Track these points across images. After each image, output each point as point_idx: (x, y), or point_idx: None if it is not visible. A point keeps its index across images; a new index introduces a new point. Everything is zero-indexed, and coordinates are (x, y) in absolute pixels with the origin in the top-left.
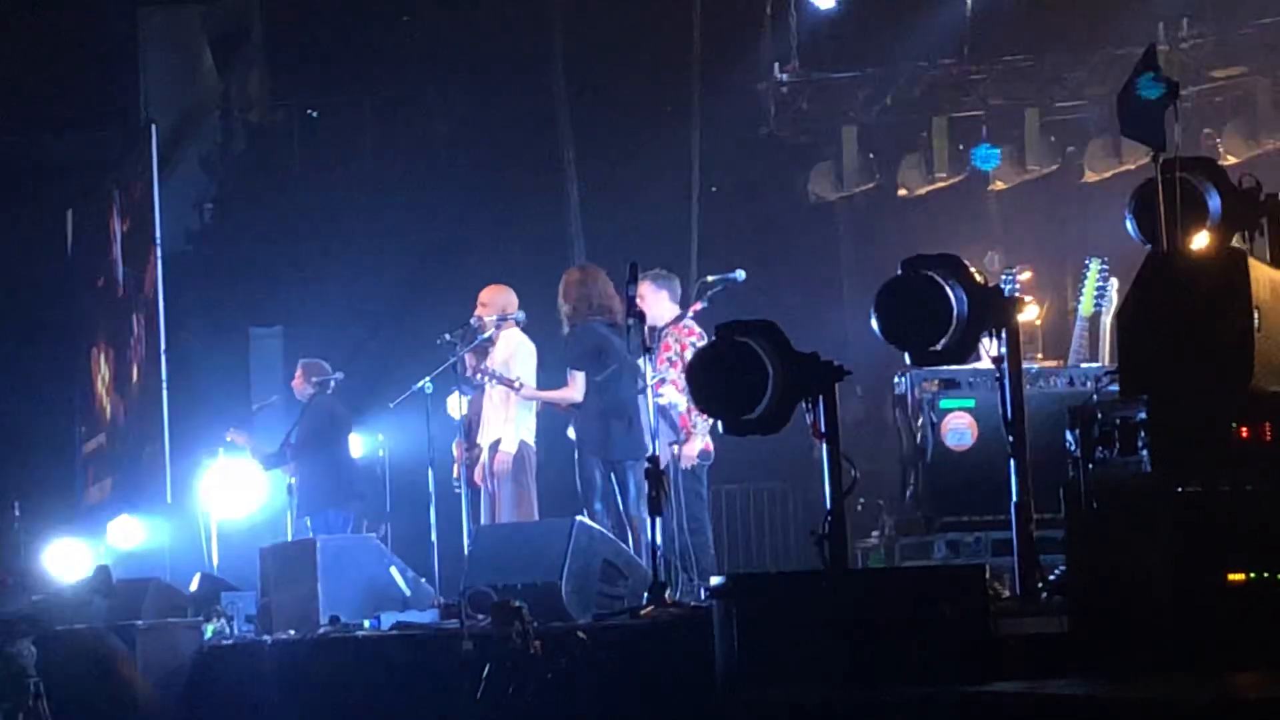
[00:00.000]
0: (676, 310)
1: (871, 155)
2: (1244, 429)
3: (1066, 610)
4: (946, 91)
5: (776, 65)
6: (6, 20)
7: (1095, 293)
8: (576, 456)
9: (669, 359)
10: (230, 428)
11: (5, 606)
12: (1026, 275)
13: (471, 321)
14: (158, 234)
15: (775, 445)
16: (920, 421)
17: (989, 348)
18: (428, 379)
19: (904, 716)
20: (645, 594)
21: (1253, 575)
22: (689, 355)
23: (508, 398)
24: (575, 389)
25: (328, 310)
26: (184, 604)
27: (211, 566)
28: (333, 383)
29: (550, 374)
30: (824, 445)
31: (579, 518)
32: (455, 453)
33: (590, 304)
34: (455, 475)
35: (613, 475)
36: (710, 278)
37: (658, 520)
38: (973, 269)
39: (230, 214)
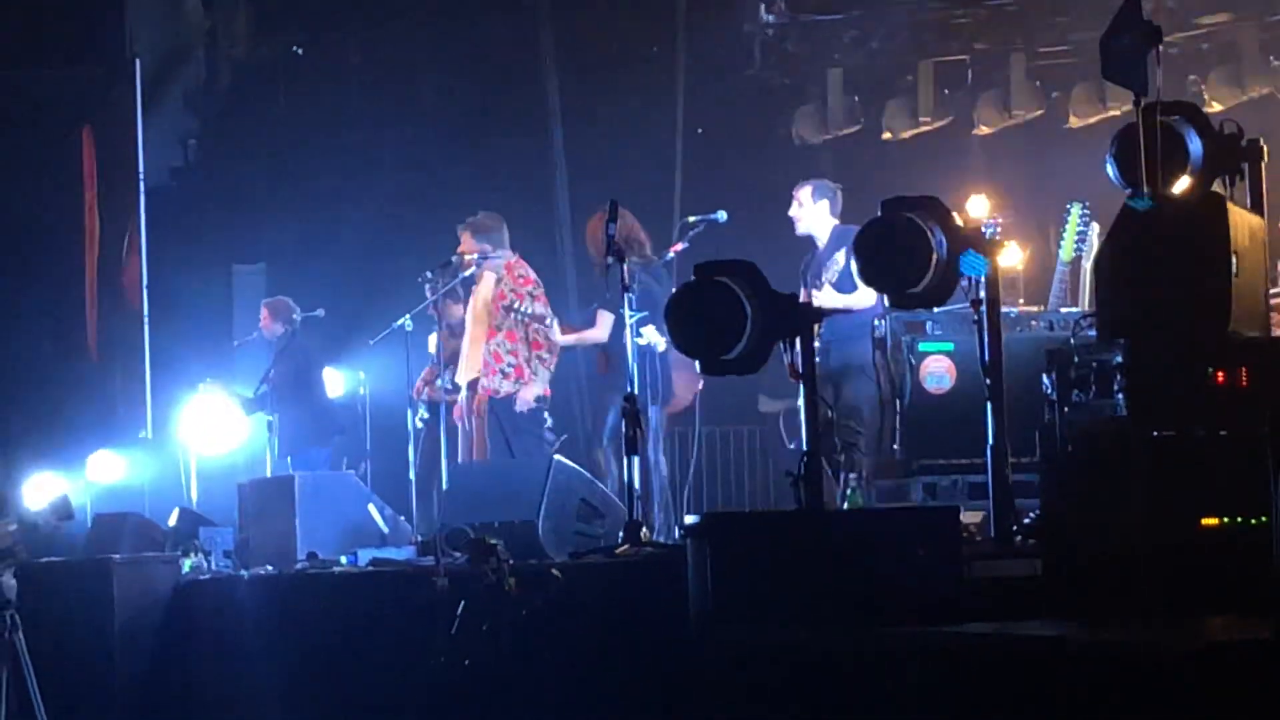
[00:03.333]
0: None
1: (856, 98)
2: (1220, 374)
3: (1040, 553)
4: (932, 35)
5: (763, 7)
6: None
7: (1076, 237)
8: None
9: (503, 307)
10: (207, 377)
11: None
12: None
13: (453, 259)
14: (141, 169)
15: (757, 387)
16: (899, 364)
17: (968, 291)
18: (408, 316)
19: (876, 657)
20: (620, 533)
21: (1226, 520)
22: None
23: (486, 337)
24: (603, 328)
25: (310, 247)
26: (162, 539)
27: (190, 502)
28: (299, 323)
29: None
30: (801, 386)
31: (556, 456)
32: (420, 384)
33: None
34: (419, 396)
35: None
36: (692, 218)
37: (635, 460)
38: (954, 213)
39: (214, 150)
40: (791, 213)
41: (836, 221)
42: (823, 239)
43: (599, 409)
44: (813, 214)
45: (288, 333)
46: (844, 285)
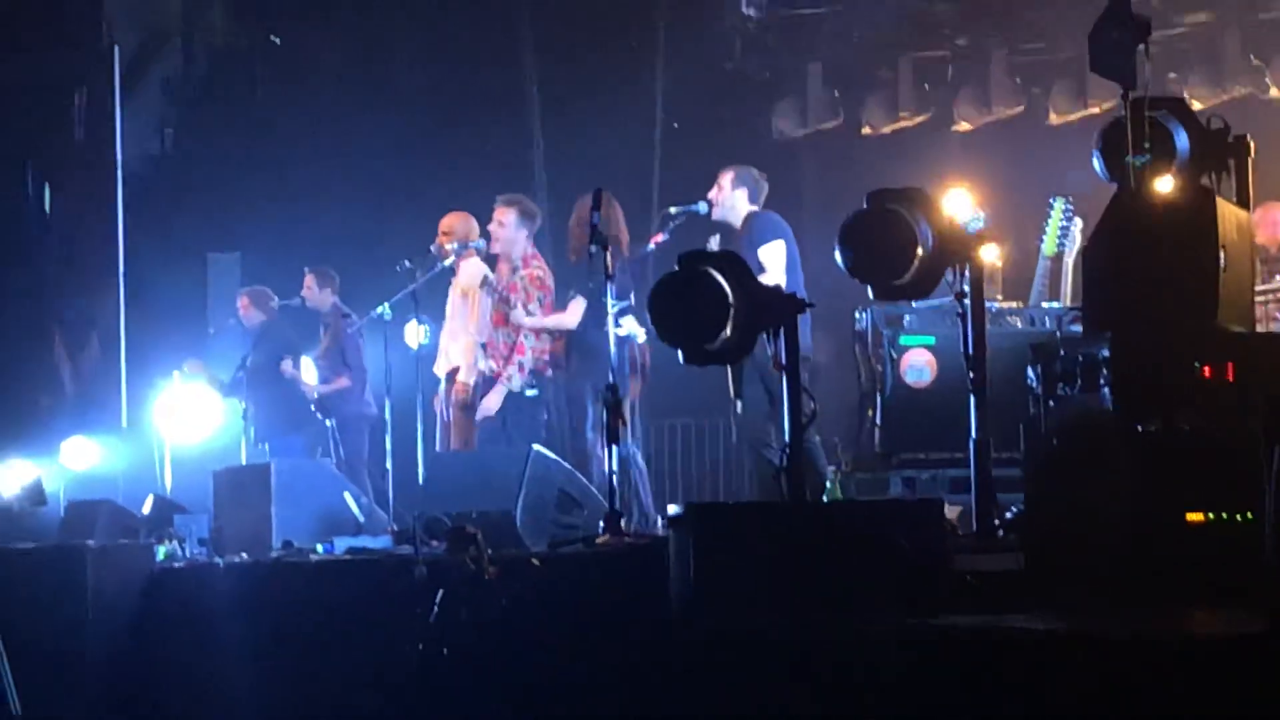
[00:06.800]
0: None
1: (837, 93)
2: (1207, 368)
3: (1023, 547)
4: (913, 30)
5: (743, 1)
6: None
7: (1059, 232)
8: (567, 386)
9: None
10: (188, 359)
11: None
12: (988, 217)
13: (431, 249)
14: (119, 156)
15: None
16: (879, 358)
17: (952, 285)
18: (386, 305)
19: (858, 648)
20: (600, 523)
21: (1211, 516)
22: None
23: (466, 327)
24: (574, 314)
25: (286, 236)
26: (136, 526)
27: (164, 489)
28: (277, 311)
29: None
30: (783, 377)
31: (535, 447)
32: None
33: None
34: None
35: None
36: (672, 209)
37: (614, 449)
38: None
39: (190, 138)
40: (710, 194)
41: (754, 208)
42: (737, 225)
43: (573, 397)
44: (729, 200)
45: (266, 321)
46: None
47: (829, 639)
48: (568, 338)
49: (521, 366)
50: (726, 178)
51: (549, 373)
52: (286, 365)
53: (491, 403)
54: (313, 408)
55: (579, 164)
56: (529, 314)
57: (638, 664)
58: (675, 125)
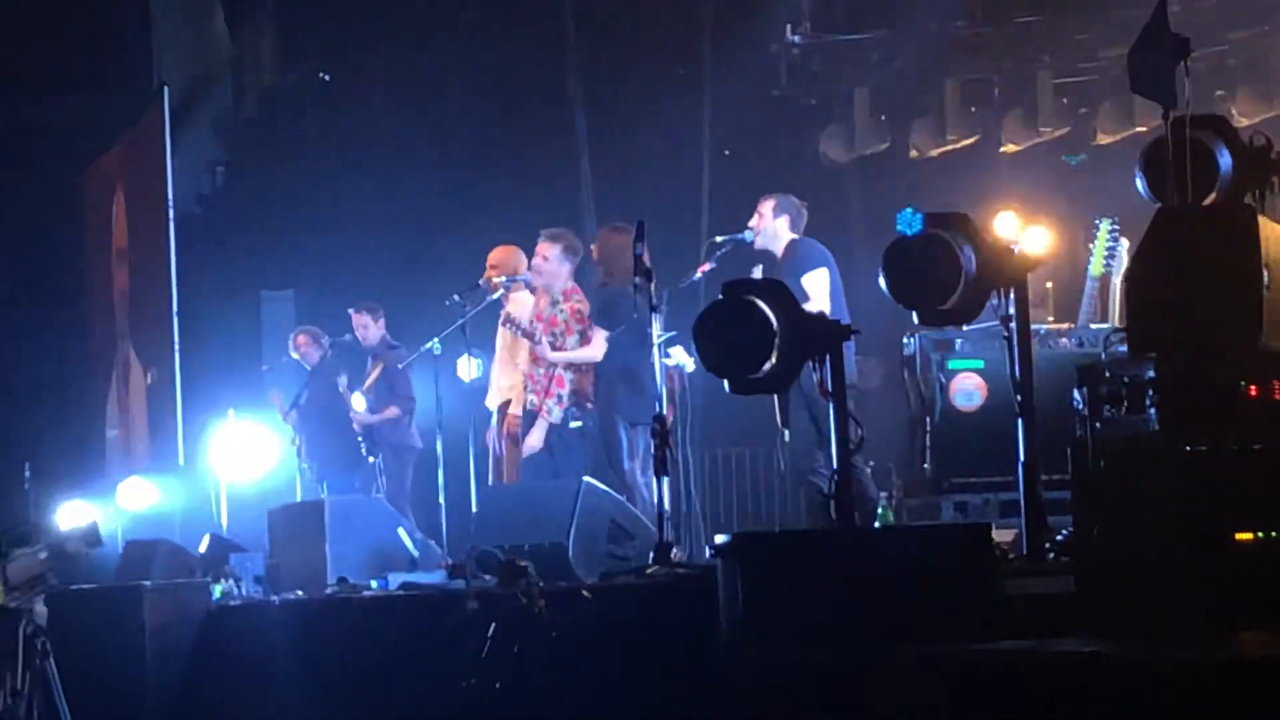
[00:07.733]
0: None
1: (883, 117)
2: (1253, 388)
3: (1073, 571)
4: (958, 53)
5: (789, 27)
6: None
7: (1105, 253)
8: (599, 418)
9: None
10: (273, 389)
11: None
12: (1039, 237)
13: (480, 282)
14: (170, 196)
15: (766, 407)
16: (928, 382)
17: (998, 308)
18: (436, 340)
19: (909, 675)
20: (650, 554)
21: (1260, 535)
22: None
23: (514, 361)
24: (597, 347)
25: (338, 273)
26: (193, 565)
27: (220, 528)
28: (329, 348)
29: None
30: (830, 404)
31: (586, 478)
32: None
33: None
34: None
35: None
36: (719, 238)
37: (664, 480)
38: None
39: (241, 177)
40: (751, 223)
41: (795, 236)
42: (779, 253)
43: (606, 428)
44: (770, 228)
45: (322, 358)
46: None
47: (880, 667)
48: (596, 369)
49: (560, 399)
50: (767, 206)
51: (590, 404)
52: (344, 385)
53: (534, 439)
54: (361, 449)
55: (627, 194)
56: (561, 347)
57: (687, 694)
58: (726, 153)
